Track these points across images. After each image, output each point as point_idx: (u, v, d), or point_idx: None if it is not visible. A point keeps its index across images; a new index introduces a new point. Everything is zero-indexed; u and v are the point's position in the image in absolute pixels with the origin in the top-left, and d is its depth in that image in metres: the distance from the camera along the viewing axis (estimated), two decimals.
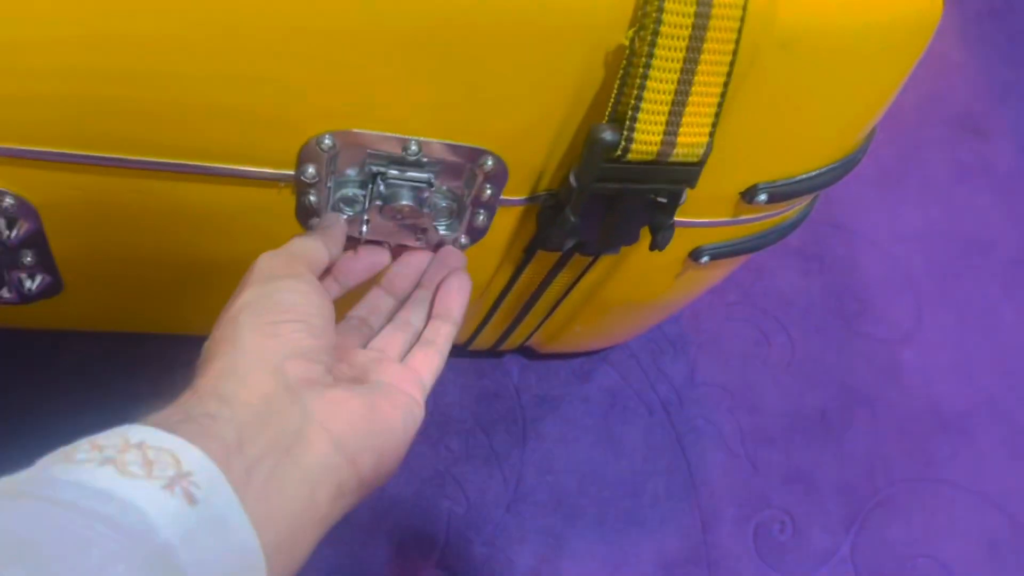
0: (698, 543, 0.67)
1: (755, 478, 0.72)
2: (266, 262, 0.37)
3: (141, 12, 0.35)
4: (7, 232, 0.45)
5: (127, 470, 0.25)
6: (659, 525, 0.67)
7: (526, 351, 0.71)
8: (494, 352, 0.70)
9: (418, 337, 0.42)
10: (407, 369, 0.40)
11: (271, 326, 0.33)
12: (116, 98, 0.38)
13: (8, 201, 0.43)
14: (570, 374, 0.72)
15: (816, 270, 0.86)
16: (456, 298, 0.43)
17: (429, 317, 0.43)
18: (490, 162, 0.43)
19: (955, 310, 0.88)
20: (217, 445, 0.28)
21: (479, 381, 0.70)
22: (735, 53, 0.37)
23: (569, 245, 0.42)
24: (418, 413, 0.38)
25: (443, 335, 0.42)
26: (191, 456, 0.27)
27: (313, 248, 0.40)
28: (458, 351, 0.68)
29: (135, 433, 0.27)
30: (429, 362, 0.41)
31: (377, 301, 0.44)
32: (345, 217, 0.44)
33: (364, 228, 0.46)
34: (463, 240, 0.49)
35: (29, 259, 0.47)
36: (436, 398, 0.68)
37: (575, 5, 0.36)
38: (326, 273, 0.42)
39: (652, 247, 0.44)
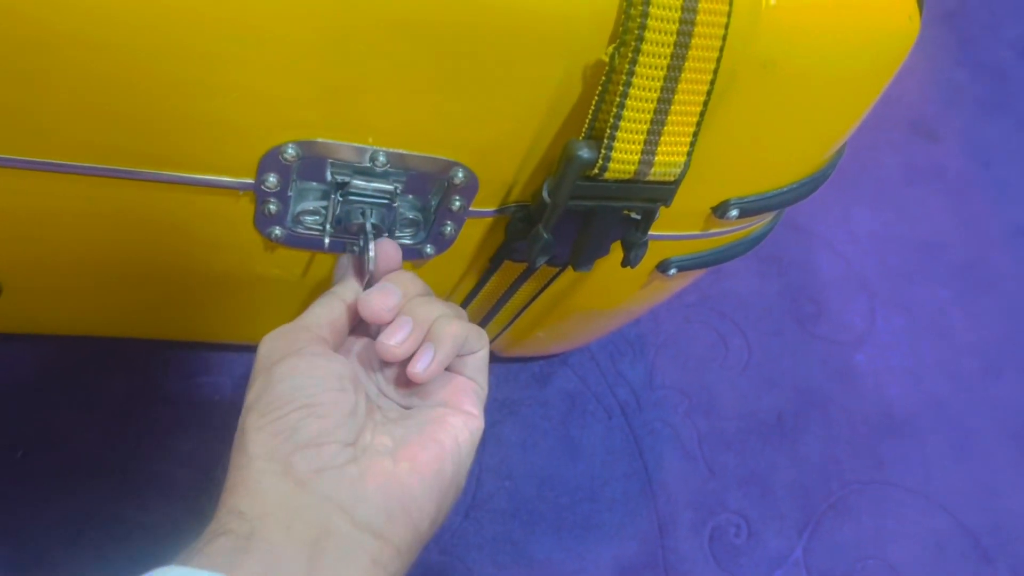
0: (655, 547, 0.67)
1: (711, 482, 0.72)
2: (266, 346, 0.36)
3: (93, 9, 0.32)
4: None
5: None
6: (617, 530, 0.67)
7: None
8: None
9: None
10: (457, 382, 0.38)
11: (273, 424, 0.33)
12: (60, 100, 0.36)
13: None
14: (530, 378, 0.71)
15: (774, 272, 0.86)
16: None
17: None
18: (460, 174, 0.41)
19: (906, 313, 0.89)
20: (244, 572, 0.29)
21: None
22: (716, 72, 0.36)
23: (542, 261, 0.41)
24: (475, 429, 0.37)
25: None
26: None
27: (317, 315, 0.38)
28: None
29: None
30: (473, 360, 0.39)
31: None
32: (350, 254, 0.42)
33: (327, 240, 0.44)
34: (428, 250, 0.47)
35: None
36: None
37: (554, 18, 0.35)
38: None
39: (624, 264, 0.43)
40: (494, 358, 0.70)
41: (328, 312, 0.38)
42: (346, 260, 0.42)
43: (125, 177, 0.40)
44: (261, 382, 0.34)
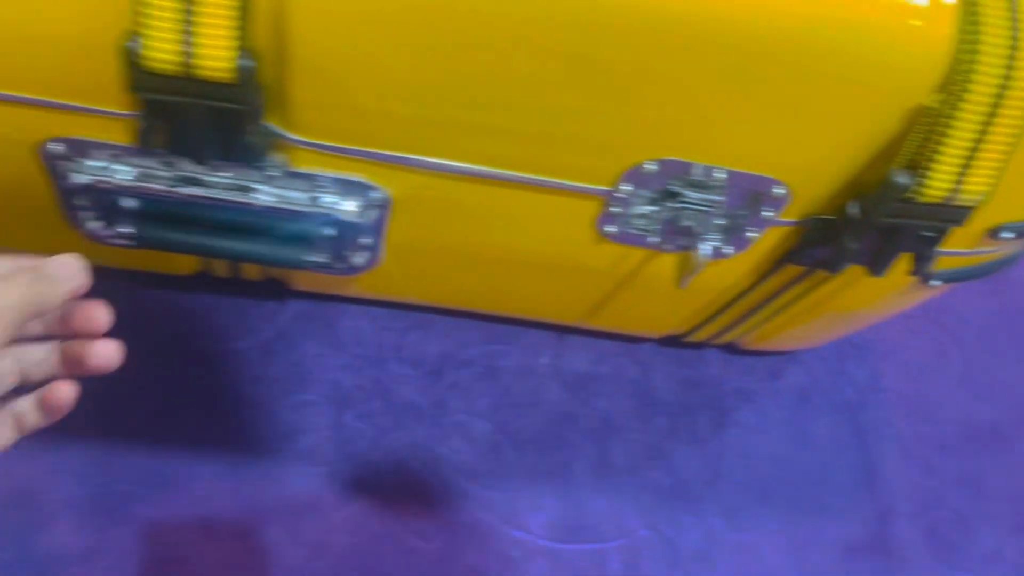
0: (876, 533, 0.74)
1: (929, 479, 0.78)
2: None
3: (514, 57, 0.43)
4: (365, 218, 0.54)
5: None
6: (842, 514, 0.74)
7: (727, 346, 0.78)
8: (697, 344, 0.77)
9: None
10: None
11: None
12: (485, 124, 0.47)
13: (376, 194, 0.52)
14: (765, 370, 0.79)
15: (990, 291, 0.91)
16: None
17: None
18: (779, 190, 0.50)
19: None
20: None
21: (681, 369, 0.78)
22: None
23: (845, 267, 0.49)
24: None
25: None
26: None
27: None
28: (670, 341, 0.76)
29: None
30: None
31: None
32: None
33: (654, 240, 0.54)
34: (727, 251, 0.56)
35: (366, 240, 0.57)
36: (644, 380, 0.77)
37: (891, 71, 0.43)
38: None
39: (914, 273, 0.51)
40: (735, 350, 0.79)
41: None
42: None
43: (511, 180, 0.51)
44: None
